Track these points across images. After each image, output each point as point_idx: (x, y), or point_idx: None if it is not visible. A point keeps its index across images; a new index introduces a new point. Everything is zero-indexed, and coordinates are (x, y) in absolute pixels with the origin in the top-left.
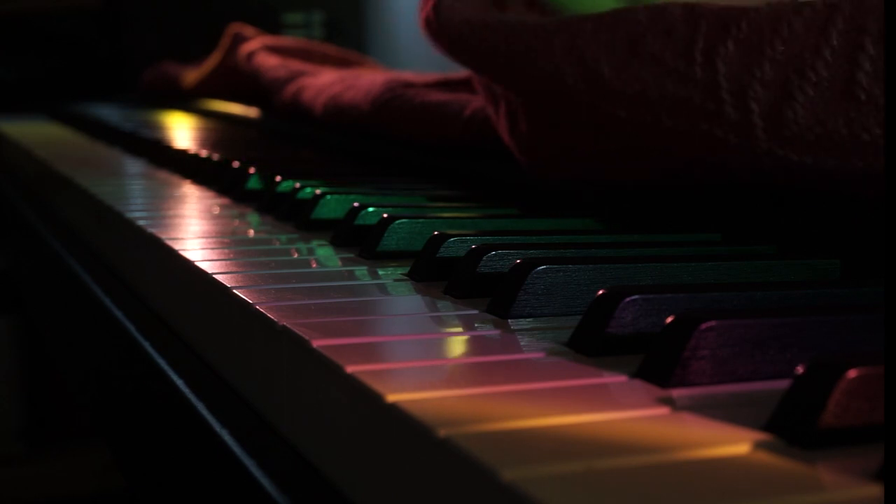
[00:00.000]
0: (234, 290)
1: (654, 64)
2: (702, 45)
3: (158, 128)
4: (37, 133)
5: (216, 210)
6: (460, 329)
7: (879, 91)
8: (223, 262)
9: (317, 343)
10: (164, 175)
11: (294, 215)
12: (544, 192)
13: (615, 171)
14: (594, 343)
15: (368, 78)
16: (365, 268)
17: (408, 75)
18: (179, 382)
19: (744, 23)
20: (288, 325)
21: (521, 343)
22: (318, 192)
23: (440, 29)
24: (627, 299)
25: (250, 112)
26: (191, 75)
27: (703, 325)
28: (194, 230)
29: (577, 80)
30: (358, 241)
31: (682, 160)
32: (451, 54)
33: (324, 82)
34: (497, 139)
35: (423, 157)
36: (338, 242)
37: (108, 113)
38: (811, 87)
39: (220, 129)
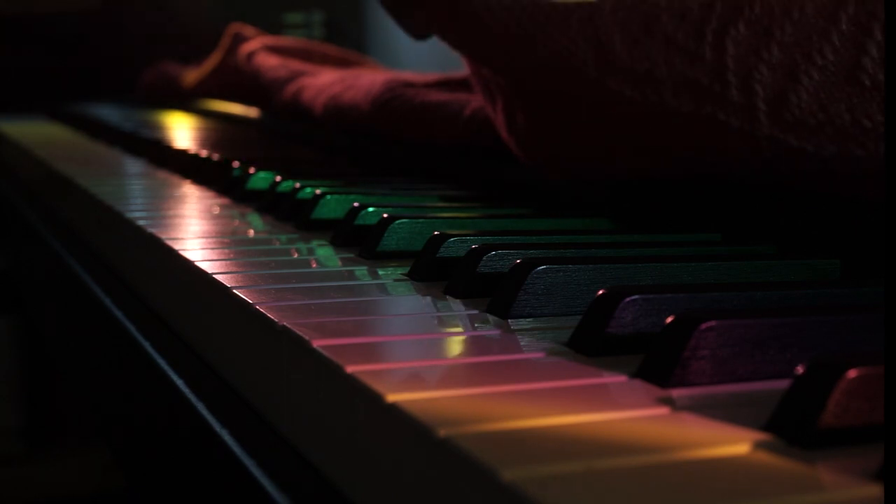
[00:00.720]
0: (234, 290)
1: (665, 43)
2: (714, 25)
3: (158, 128)
4: (37, 133)
5: (216, 210)
6: (460, 329)
7: (883, 77)
8: (223, 262)
9: (317, 343)
10: (164, 175)
11: (294, 215)
12: (544, 193)
13: (612, 166)
14: (594, 343)
15: (368, 78)
16: (365, 268)
17: (408, 75)
18: (179, 382)
19: (757, 4)
20: (288, 325)
21: (521, 343)
22: (318, 192)
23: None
24: (627, 299)
25: (250, 112)
26: (191, 75)
27: (703, 325)
28: (194, 230)
29: (588, 58)
30: (358, 241)
31: (682, 149)
32: (459, 35)
33: (324, 82)
34: (497, 139)
35: (424, 157)
36: (338, 242)
37: (108, 113)
38: (817, 71)
39: (220, 129)
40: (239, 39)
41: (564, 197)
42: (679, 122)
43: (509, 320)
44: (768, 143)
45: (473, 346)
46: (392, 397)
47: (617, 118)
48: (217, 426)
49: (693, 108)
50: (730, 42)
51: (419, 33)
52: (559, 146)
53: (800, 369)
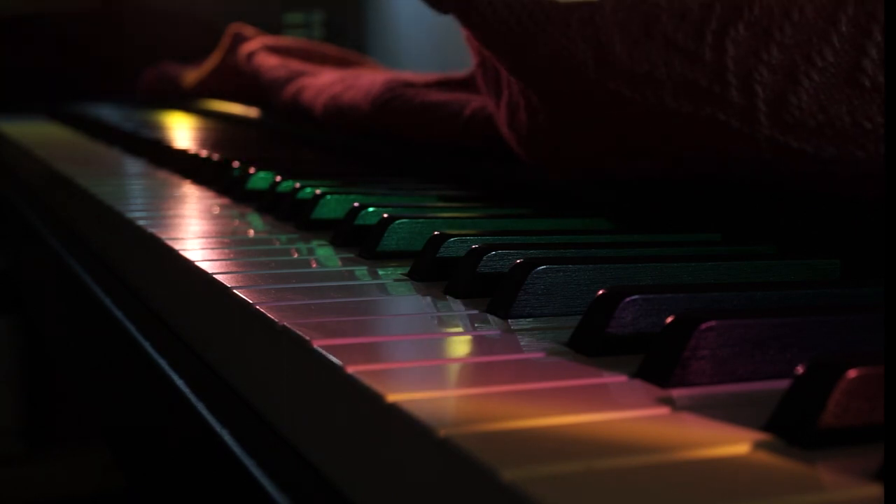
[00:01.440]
0: (234, 290)
1: (665, 44)
2: (714, 26)
3: (158, 128)
4: (37, 133)
5: (216, 210)
6: (460, 329)
7: (883, 79)
8: (223, 262)
9: (317, 343)
10: (164, 175)
11: (294, 215)
12: (544, 193)
13: (612, 166)
14: (594, 343)
15: (368, 78)
16: (365, 268)
17: (408, 75)
18: (179, 382)
19: (756, 5)
20: (288, 325)
21: (521, 343)
22: (318, 192)
23: None
24: (627, 299)
25: (250, 112)
26: (191, 75)
27: (703, 325)
28: (194, 230)
29: (587, 58)
30: (358, 241)
31: (682, 150)
32: (468, 26)
33: (324, 82)
34: (497, 138)
35: (423, 157)
36: (338, 242)
37: (108, 113)
38: (817, 72)
39: (220, 129)
40: (239, 39)
41: (564, 197)
42: (679, 122)
43: (509, 320)
44: (768, 144)
45: (473, 346)
46: (392, 397)
47: (617, 119)
48: (217, 426)
49: (693, 110)
50: (729, 43)
51: (439, 8)
52: (560, 146)
53: (800, 369)
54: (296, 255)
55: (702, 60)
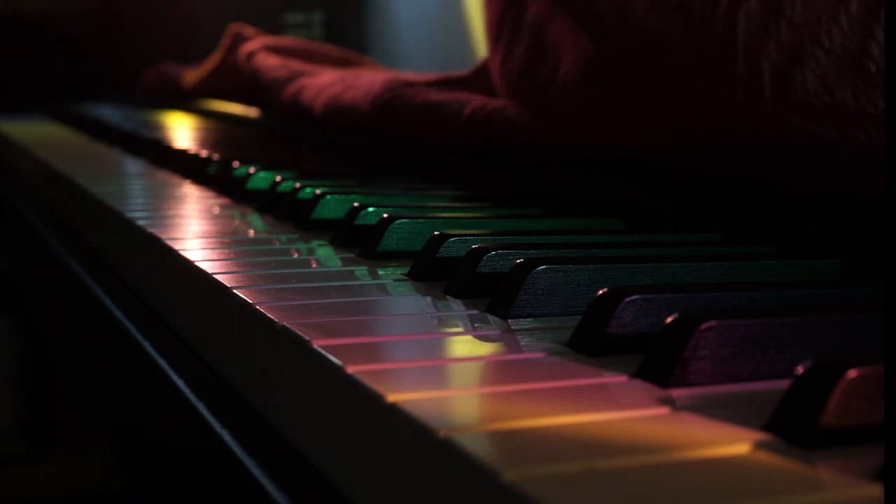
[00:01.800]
0: (234, 290)
1: (679, 9)
2: None
3: (158, 128)
4: (37, 133)
5: (216, 210)
6: (460, 329)
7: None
8: (223, 262)
9: (317, 343)
10: (164, 175)
11: (294, 215)
12: (545, 193)
13: (613, 132)
14: (594, 343)
15: (368, 78)
16: (365, 268)
17: (408, 75)
18: (179, 382)
19: None
20: (288, 325)
21: (521, 343)
22: (318, 192)
23: None
24: (627, 299)
25: (250, 112)
26: (191, 75)
27: (703, 325)
28: (194, 230)
29: (611, 9)
30: (358, 241)
31: (684, 119)
32: None
33: (324, 82)
34: (496, 138)
35: (424, 157)
36: (338, 242)
37: (108, 113)
38: (823, 53)
39: (220, 129)
40: (239, 39)
41: (565, 197)
42: (686, 90)
43: (509, 320)
44: (772, 122)
45: (473, 346)
46: (392, 397)
47: (624, 75)
48: (217, 426)
49: (699, 78)
50: (741, 15)
51: None
52: (573, 91)
53: (800, 369)
54: (296, 255)
55: (712, 31)
